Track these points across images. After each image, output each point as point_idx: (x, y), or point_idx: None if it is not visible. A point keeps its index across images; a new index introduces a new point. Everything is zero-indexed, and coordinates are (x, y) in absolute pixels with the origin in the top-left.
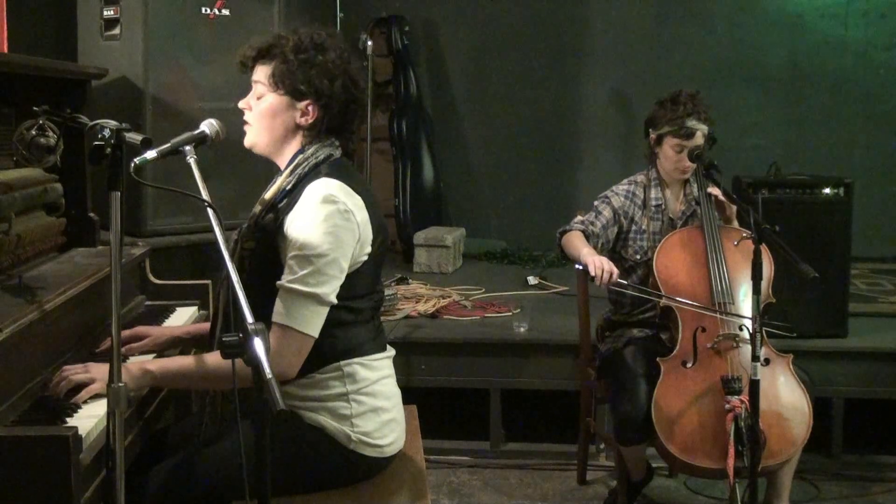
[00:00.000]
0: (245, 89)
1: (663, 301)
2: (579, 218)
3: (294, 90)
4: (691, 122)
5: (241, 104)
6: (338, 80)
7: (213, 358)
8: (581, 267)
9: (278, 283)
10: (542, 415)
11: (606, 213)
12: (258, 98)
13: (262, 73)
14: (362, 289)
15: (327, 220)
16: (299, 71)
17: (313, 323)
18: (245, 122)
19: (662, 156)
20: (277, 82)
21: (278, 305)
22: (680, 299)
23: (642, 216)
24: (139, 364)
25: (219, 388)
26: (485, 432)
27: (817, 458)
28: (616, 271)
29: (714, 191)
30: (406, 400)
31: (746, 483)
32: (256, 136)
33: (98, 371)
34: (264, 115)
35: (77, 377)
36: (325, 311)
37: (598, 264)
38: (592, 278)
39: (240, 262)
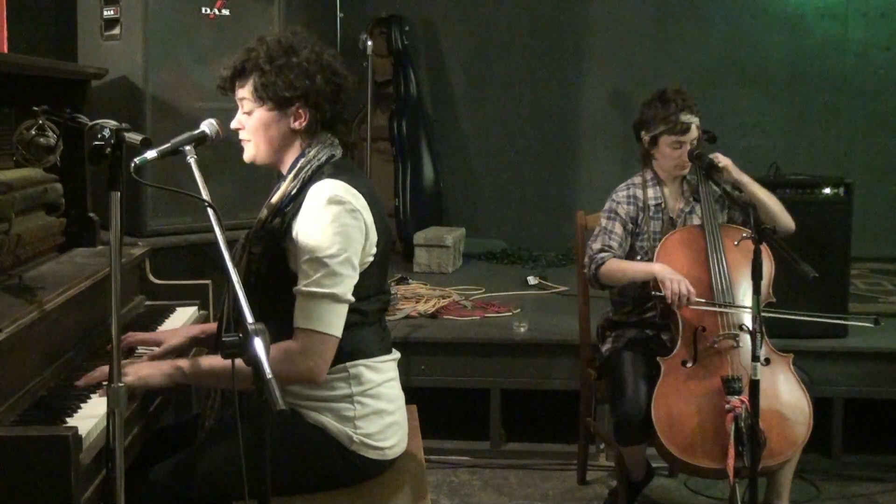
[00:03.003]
0: None
1: (730, 310)
2: (598, 246)
3: (280, 99)
4: (685, 117)
5: (233, 125)
6: (318, 76)
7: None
8: (658, 293)
9: (295, 289)
10: (542, 415)
11: (618, 229)
12: (248, 114)
13: (244, 90)
14: (369, 289)
15: (336, 221)
16: (279, 78)
17: (334, 323)
18: (241, 140)
19: (660, 155)
20: (261, 95)
21: (298, 311)
22: (740, 305)
23: (643, 217)
24: (171, 361)
25: (247, 388)
26: (485, 432)
27: (817, 458)
28: (693, 291)
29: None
30: (406, 400)
31: (746, 483)
32: (256, 151)
33: (132, 367)
34: (258, 129)
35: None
36: (344, 310)
37: (675, 289)
38: (669, 303)
39: (247, 266)
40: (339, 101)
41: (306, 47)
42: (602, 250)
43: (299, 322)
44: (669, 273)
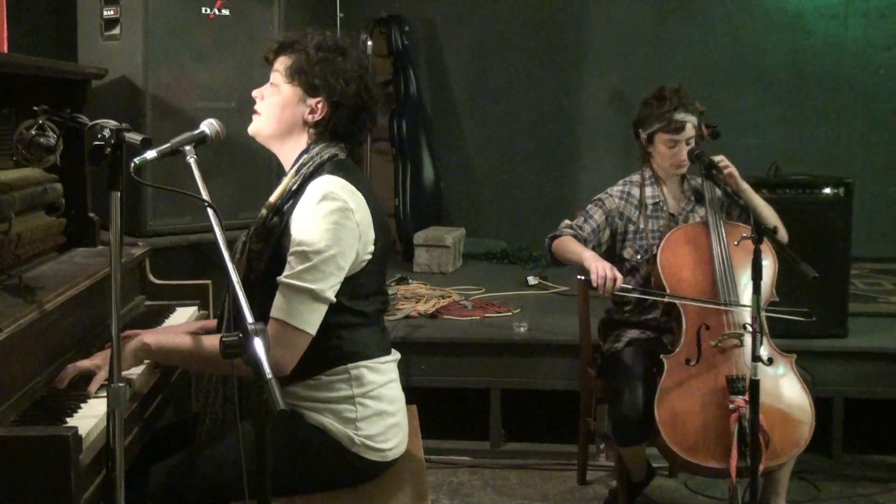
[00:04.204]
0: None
1: (667, 299)
2: (567, 222)
3: (308, 85)
4: (680, 115)
5: (254, 93)
6: (352, 85)
7: (210, 341)
8: (583, 277)
9: (278, 278)
10: (542, 415)
11: (597, 216)
12: (272, 86)
13: (281, 63)
14: (368, 290)
15: (326, 218)
16: (317, 67)
17: (309, 319)
18: (254, 112)
19: (656, 153)
20: (293, 74)
21: (276, 300)
22: (685, 297)
23: (639, 216)
24: (138, 338)
25: (213, 372)
26: (485, 432)
27: (817, 458)
28: (620, 277)
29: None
30: (406, 400)
31: (747, 483)
32: (263, 124)
33: (105, 359)
34: (275, 104)
35: (84, 364)
36: (322, 308)
37: (602, 273)
38: (595, 287)
39: (248, 263)
40: (358, 119)
41: (355, 57)
42: (569, 226)
43: (274, 311)
44: (596, 259)
